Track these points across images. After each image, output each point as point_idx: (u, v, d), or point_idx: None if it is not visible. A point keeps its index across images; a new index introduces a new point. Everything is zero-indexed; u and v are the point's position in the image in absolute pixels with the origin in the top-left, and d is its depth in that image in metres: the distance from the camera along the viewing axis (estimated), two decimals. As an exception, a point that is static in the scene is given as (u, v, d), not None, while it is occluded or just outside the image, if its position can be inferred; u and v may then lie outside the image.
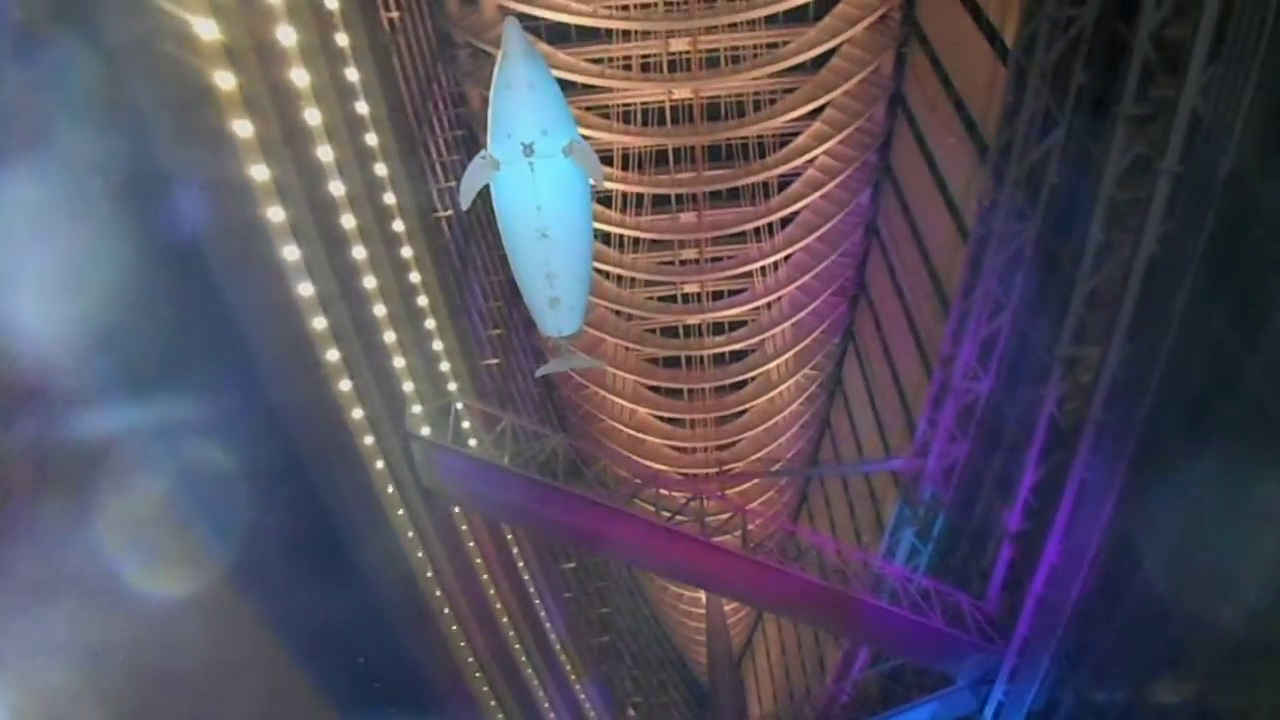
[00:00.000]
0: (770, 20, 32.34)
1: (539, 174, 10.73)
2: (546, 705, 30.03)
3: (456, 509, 22.79)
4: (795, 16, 32.32)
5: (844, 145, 35.16)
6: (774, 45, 32.95)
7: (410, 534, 19.61)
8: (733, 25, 32.14)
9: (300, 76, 15.17)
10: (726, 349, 40.99)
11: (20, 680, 9.11)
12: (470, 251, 32.16)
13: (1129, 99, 17.42)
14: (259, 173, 13.73)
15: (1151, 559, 18.76)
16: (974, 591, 24.88)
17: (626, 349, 41.28)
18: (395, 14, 23.90)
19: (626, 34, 32.36)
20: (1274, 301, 14.75)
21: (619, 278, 38.73)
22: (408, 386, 20.30)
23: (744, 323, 40.81)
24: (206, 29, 12.12)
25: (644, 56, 33.55)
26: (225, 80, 12.57)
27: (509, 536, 27.33)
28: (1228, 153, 15.56)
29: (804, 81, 33.75)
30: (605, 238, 37.25)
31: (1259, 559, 15.58)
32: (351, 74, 17.78)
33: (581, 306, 14.31)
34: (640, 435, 44.26)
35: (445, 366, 22.83)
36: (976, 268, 25.21)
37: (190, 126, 12.46)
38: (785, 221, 37.10)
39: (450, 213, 27.50)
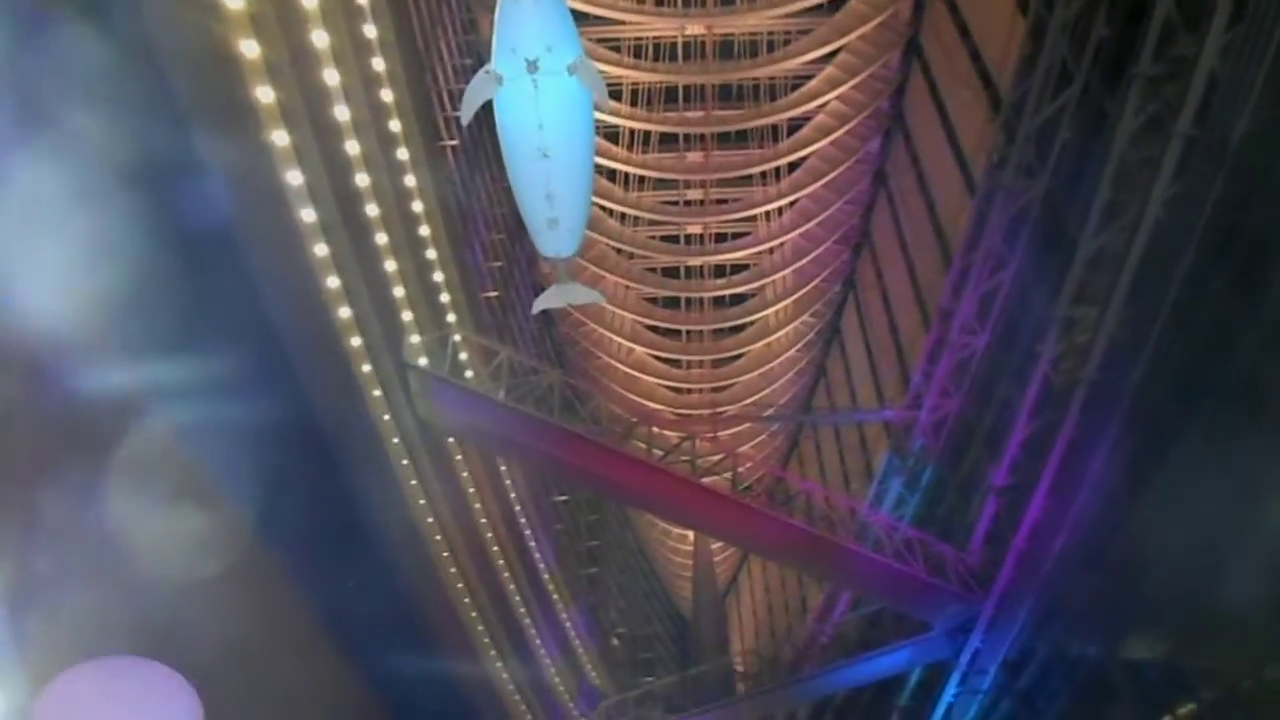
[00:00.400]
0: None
1: (542, 91, 10.48)
2: (534, 632, 30.67)
3: (451, 440, 22.99)
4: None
5: (857, 91, 34.68)
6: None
7: (405, 462, 19.82)
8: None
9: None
10: (726, 292, 41.00)
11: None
12: (475, 182, 31.90)
13: (1147, 57, 17.18)
14: (264, 94, 13.56)
15: (1134, 520, 19.08)
16: (957, 543, 25.29)
17: (627, 288, 41.23)
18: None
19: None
20: (1277, 272, 14.75)
21: (622, 215, 38.50)
22: (406, 316, 20.33)
23: (745, 266, 40.70)
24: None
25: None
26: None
27: (503, 468, 27.62)
28: (1243, 117, 15.45)
29: (820, 23, 33.16)
30: (610, 174, 36.96)
31: (1242, 526, 15.86)
32: (360, -3, 17.47)
33: (580, 228, 14.19)
34: (636, 374, 44.45)
35: (445, 298, 22.86)
36: (981, 223, 25.08)
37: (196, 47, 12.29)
38: (793, 166, 36.77)
39: (456, 141, 27.21)
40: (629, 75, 34.17)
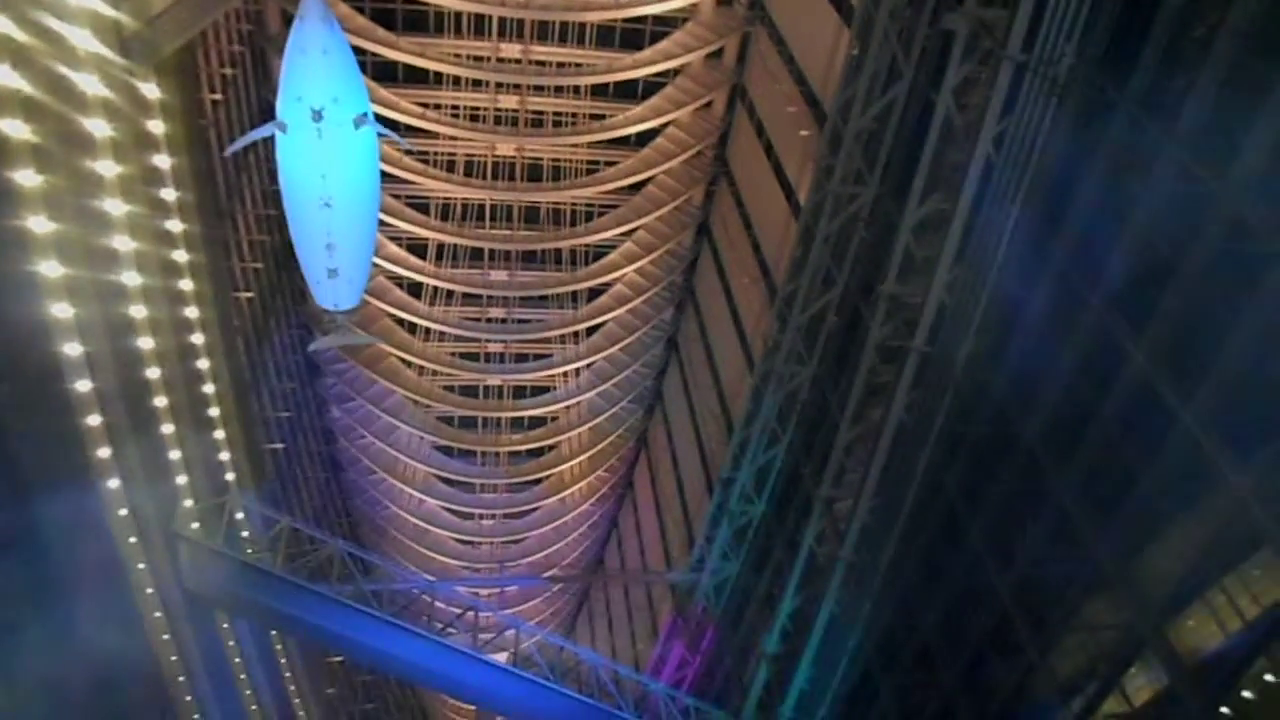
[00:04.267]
0: (597, 90, 33.55)
1: (327, 141, 10.56)
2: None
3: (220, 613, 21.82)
4: (623, 91, 33.67)
5: (653, 265, 37.02)
6: (599, 116, 34.06)
7: (165, 637, 18.65)
8: (560, 89, 33.17)
9: (108, 168, 14.91)
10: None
11: None
12: (269, 327, 31.39)
13: (891, 279, 19.69)
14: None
15: (886, 693, 20.60)
16: (733, 707, 26.18)
17: (416, 402, 39.75)
18: (219, 95, 23.58)
19: (456, 81, 32.39)
20: (993, 474, 16.92)
21: (426, 330, 37.89)
22: (181, 480, 19.57)
23: (543, 421, 41.47)
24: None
25: (471, 108, 33.58)
26: (26, 178, 12.26)
27: (274, 633, 26.28)
28: (967, 339, 17.94)
29: (626, 156, 34.91)
30: (415, 288, 36.91)
31: (977, 695, 17.60)
32: (162, 161, 17.52)
33: (361, 281, 13.94)
34: (426, 526, 43.63)
35: (225, 456, 22.18)
36: (758, 400, 27.10)
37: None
38: (590, 331, 38.35)
39: (252, 294, 26.90)
40: (438, 189, 34.59)
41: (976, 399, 17.19)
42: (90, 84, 14.24)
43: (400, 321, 37.64)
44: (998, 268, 17.19)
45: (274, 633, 26.15)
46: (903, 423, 19.16)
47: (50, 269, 13.17)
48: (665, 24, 32.42)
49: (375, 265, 33.83)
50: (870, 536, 20.18)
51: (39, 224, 12.76)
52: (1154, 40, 13.83)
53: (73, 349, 14.09)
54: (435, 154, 34.75)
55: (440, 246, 36.10)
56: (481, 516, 44.36)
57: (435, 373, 38.78)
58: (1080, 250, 15.22)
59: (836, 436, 22.01)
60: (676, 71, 33.22)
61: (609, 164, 35.16)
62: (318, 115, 10.25)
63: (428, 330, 37.64)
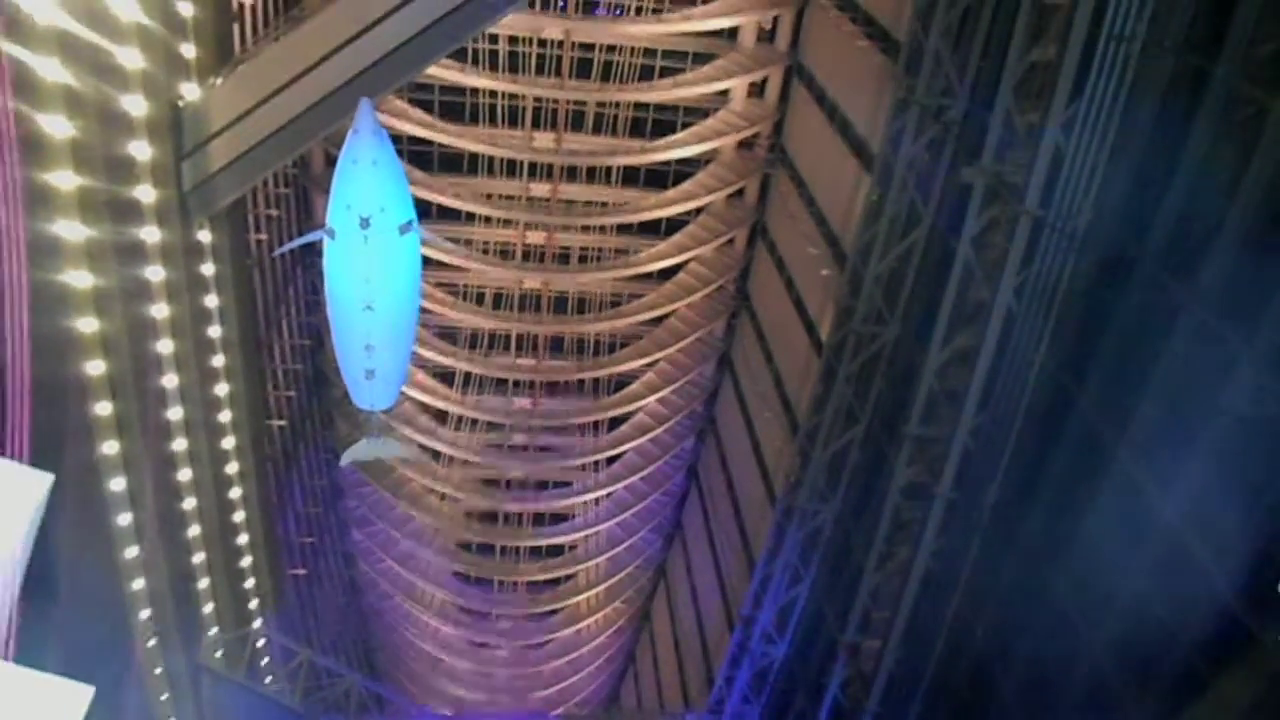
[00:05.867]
0: (623, 227, 34.78)
1: (372, 247, 10.94)
2: None
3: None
4: (647, 228, 34.81)
5: (675, 395, 37.47)
6: (624, 252, 35.21)
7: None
8: (586, 228, 34.45)
9: (160, 310, 15.60)
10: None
11: None
12: (297, 453, 31.81)
13: (915, 421, 19.93)
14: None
15: None
16: None
17: (436, 531, 39.89)
18: (263, 235, 24.66)
19: (488, 220, 33.87)
20: (1025, 625, 16.74)
21: (449, 457, 38.22)
22: (208, 608, 19.63)
23: (561, 550, 41.22)
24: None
25: (501, 244, 34.99)
26: (87, 325, 12.90)
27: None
28: (993, 485, 18.03)
29: (649, 289, 35.87)
30: (440, 414, 37.40)
31: None
32: (211, 301, 18.25)
33: (397, 383, 14.14)
34: (441, 655, 42.91)
35: (250, 583, 22.23)
36: (780, 536, 26.98)
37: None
38: (611, 460, 38.52)
39: (284, 422, 27.41)
40: (467, 320, 35.51)
41: (1003, 547, 17.18)
42: (150, 234, 15.07)
43: (423, 447, 37.99)
44: (1022, 414, 17.49)
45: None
46: (929, 570, 19.08)
47: (103, 409, 13.70)
48: (689, 164, 33.81)
49: (402, 393, 34.47)
50: (897, 688, 19.82)
51: (95, 367, 13.35)
52: (1172, 197, 14.41)
53: (118, 484, 14.48)
54: (465, 286, 35.87)
55: (466, 375, 36.80)
56: (497, 647, 43.61)
57: (456, 499, 38.91)
58: (1106, 401, 15.47)
59: (861, 579, 21.86)
60: (699, 210, 34.42)
61: (633, 297, 36.11)
62: (365, 223, 10.72)
63: (450, 458, 37.96)
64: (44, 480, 7.55)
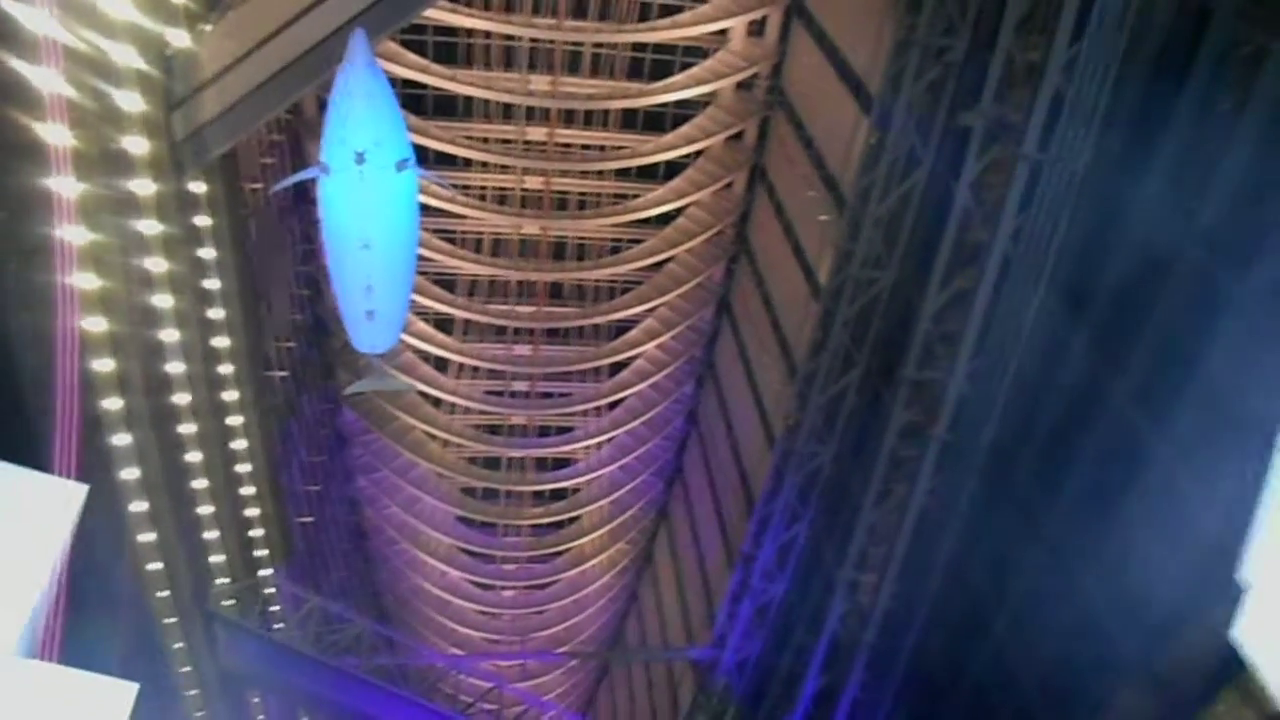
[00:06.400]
0: (621, 172, 34.54)
1: (368, 183, 10.64)
2: None
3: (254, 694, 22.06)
4: (646, 173, 34.63)
5: (674, 340, 37.58)
6: (623, 196, 35.02)
7: (200, 714, 18.88)
8: (584, 173, 34.17)
9: (157, 264, 15.62)
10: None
11: None
12: (300, 403, 32.01)
13: (912, 365, 20.05)
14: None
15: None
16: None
17: (439, 474, 40.50)
18: (258, 185, 24.50)
19: (484, 165, 33.53)
20: (1018, 566, 17.08)
21: (451, 405, 38.47)
22: (217, 558, 19.97)
23: (565, 494, 41.72)
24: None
25: (498, 189, 34.68)
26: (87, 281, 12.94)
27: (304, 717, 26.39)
28: (988, 426, 18.24)
29: (648, 235, 35.82)
30: (441, 363, 37.49)
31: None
32: (207, 253, 18.24)
33: (398, 324, 13.94)
34: (448, 597, 43.70)
35: (258, 533, 22.55)
36: (779, 478, 27.29)
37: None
38: (613, 405, 38.78)
39: (285, 373, 27.54)
40: (465, 267, 35.39)
41: (998, 488, 17.44)
42: (143, 187, 15.00)
43: (425, 395, 38.24)
44: (1019, 357, 17.63)
45: (304, 716, 26.28)
46: (925, 508, 19.38)
47: (103, 365, 13.79)
48: (687, 107, 33.45)
49: (402, 341, 34.58)
50: (893, 620, 20.26)
51: (95, 324, 13.41)
52: (1171, 140, 14.35)
53: (121, 439, 14.65)
54: (462, 233, 35.71)
55: (466, 322, 36.83)
56: (503, 588, 44.39)
57: (459, 445, 39.25)
58: (1104, 344, 15.58)
59: (859, 517, 22.18)
60: (698, 153, 34.14)
61: (632, 242, 36.00)
62: (360, 158, 10.44)
63: (453, 405, 38.19)
64: (79, 492, 7.56)
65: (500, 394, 39.07)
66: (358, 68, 9.96)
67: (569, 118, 33.13)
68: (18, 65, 11.36)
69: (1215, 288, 13.01)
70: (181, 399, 17.35)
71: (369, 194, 10.87)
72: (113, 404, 14.17)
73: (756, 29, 32.19)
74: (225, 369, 19.92)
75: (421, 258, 33.70)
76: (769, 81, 32.55)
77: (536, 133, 33.15)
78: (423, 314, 36.22)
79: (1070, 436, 15.96)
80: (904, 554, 19.65)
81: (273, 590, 22.29)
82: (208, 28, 15.69)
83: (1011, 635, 17.04)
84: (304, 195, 31.56)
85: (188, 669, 18.20)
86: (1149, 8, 14.82)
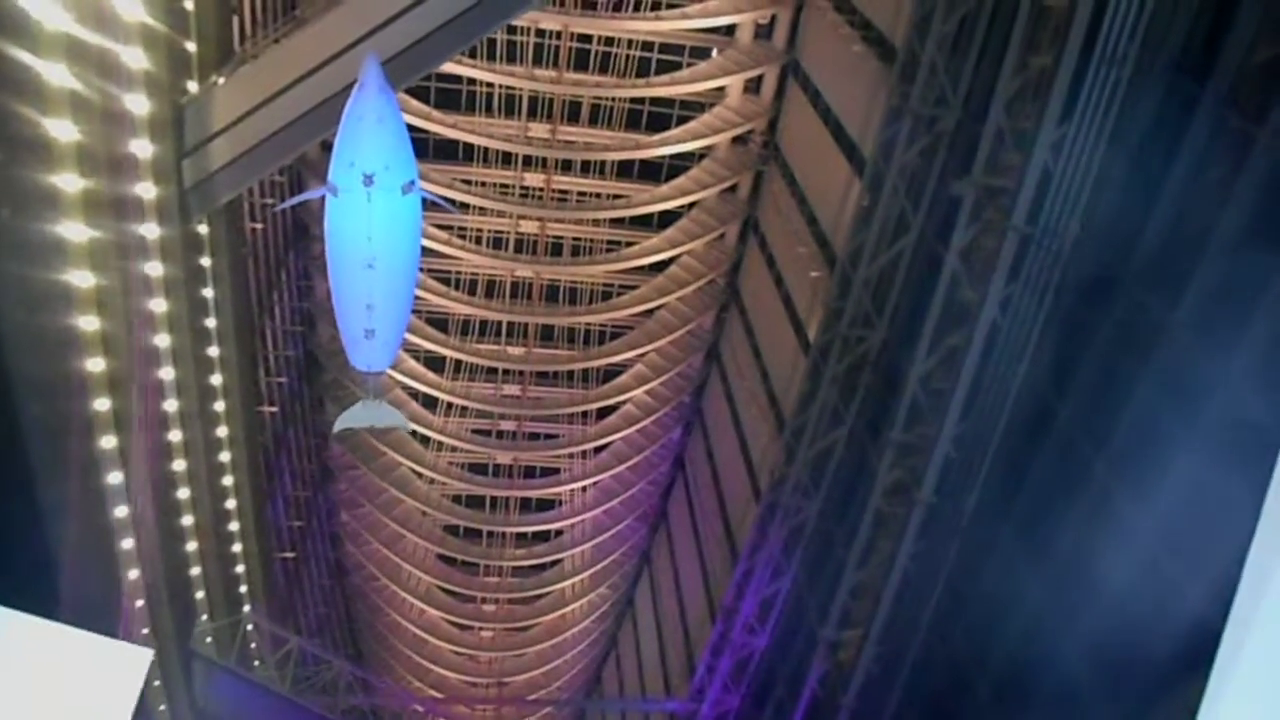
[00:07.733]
0: (615, 221, 34.96)
1: (375, 205, 10.86)
2: None
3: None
4: (640, 221, 34.99)
5: (663, 386, 37.79)
6: (616, 244, 35.48)
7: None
8: (579, 220, 34.58)
9: (159, 305, 15.78)
10: (526, 562, 41.22)
11: None
12: (288, 438, 32.01)
13: (899, 426, 20.30)
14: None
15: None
16: None
17: (424, 513, 40.17)
18: (259, 224, 24.73)
19: (481, 209, 33.86)
20: (1001, 631, 17.18)
21: (439, 443, 38.45)
22: (199, 595, 19.91)
23: (548, 536, 41.63)
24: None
25: (494, 233, 35.06)
26: (88, 323, 13.09)
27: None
28: (973, 492, 18.45)
29: (641, 282, 36.15)
30: (430, 400, 37.59)
31: None
32: (208, 292, 18.42)
33: (396, 345, 14.12)
34: (426, 636, 43.33)
35: (240, 569, 22.51)
36: (764, 531, 27.42)
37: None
38: (599, 449, 38.88)
39: (275, 409, 27.59)
40: (457, 308, 35.60)
41: (981, 552, 17.61)
42: (150, 231, 15.24)
43: (413, 432, 38.24)
44: (1004, 424, 17.88)
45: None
46: (909, 570, 19.52)
47: (101, 405, 13.91)
48: (683, 158, 33.96)
49: (393, 379, 34.69)
50: (874, 683, 20.30)
51: (95, 364, 13.55)
52: (1157, 219, 14.72)
53: (114, 478, 14.71)
54: (456, 274, 36.00)
55: (457, 361, 37.00)
56: (481, 629, 44.06)
57: (444, 483, 39.18)
58: (1086, 416, 15.85)
59: (843, 575, 22.29)
60: (692, 204, 34.62)
61: (624, 288, 36.35)
62: (369, 180, 10.63)
63: (440, 443, 38.21)
64: (146, 656, 7.64)
65: (488, 433, 39.10)
66: (370, 92, 10.14)
67: (566, 165, 33.61)
68: (33, 114, 11.62)
69: (1204, 362, 13.30)
70: (175, 436, 17.42)
71: (375, 215, 11.10)
72: (108, 442, 14.25)
73: (753, 86, 32.84)
74: (219, 406, 20.03)
75: (415, 297, 33.85)
76: (764, 136, 33.15)
77: (534, 179, 33.59)
78: (413, 352, 36.36)
79: (1054, 501, 16.17)
80: (887, 616, 19.75)
81: (251, 628, 22.21)
82: (220, 80, 16.02)
83: (994, 702, 17.11)
84: (303, 231, 31.88)
85: (162, 708, 18.08)
86: (1138, 88, 15.27)
